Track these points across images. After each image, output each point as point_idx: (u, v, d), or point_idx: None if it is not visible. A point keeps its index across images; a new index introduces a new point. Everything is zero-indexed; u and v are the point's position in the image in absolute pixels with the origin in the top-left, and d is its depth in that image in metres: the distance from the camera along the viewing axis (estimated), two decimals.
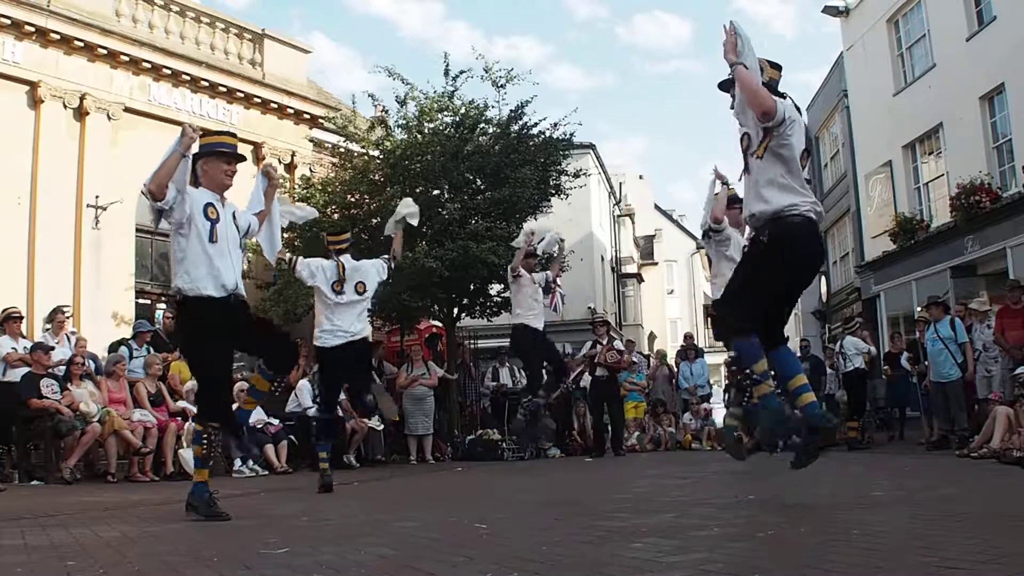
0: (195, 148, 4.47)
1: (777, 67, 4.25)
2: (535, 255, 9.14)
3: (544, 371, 8.87)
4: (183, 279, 4.37)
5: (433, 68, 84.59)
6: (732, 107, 4.21)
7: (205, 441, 4.51)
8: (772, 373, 3.98)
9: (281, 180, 5.31)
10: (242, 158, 4.83)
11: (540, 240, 8.99)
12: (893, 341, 13.07)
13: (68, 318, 9.59)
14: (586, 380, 11.61)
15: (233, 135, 4.92)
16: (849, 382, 11.76)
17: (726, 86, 4.24)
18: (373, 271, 6.68)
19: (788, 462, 4.10)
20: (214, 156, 4.56)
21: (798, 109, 4.12)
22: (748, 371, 4.03)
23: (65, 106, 11.52)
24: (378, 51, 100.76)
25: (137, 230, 12.39)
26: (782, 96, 4.06)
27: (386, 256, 6.81)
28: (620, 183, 33.99)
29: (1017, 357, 8.56)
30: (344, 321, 6.43)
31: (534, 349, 8.59)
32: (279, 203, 5.58)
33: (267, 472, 8.86)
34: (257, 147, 13.80)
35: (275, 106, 14.15)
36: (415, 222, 7.03)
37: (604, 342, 11.23)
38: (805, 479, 5.80)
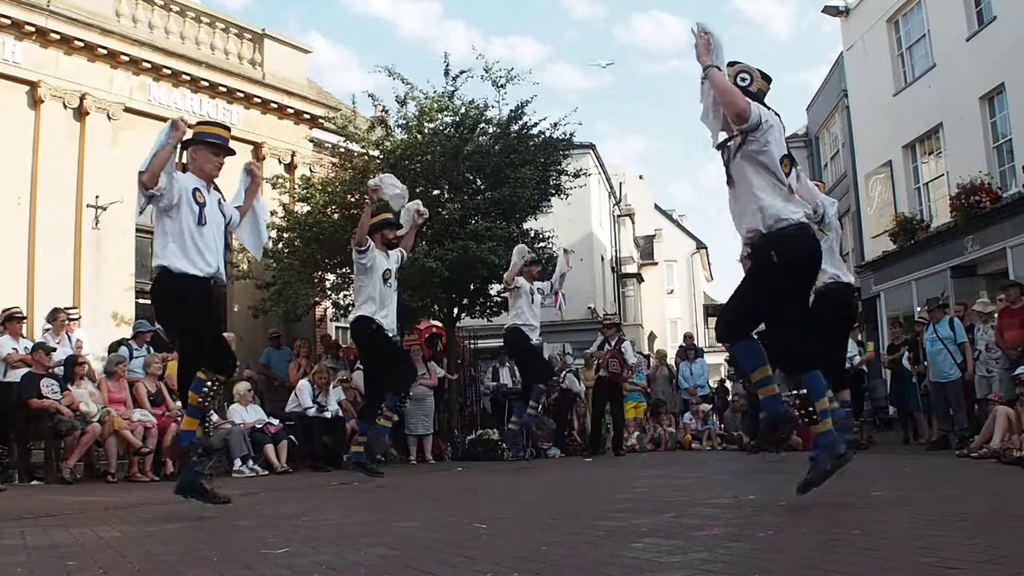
0: (188, 134, 4.58)
1: (767, 79, 4.22)
2: (537, 263, 9.20)
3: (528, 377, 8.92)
4: (169, 258, 4.43)
5: (431, 68, 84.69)
6: (701, 117, 4.13)
7: (206, 390, 4.50)
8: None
9: (262, 179, 5.44)
10: (231, 152, 4.91)
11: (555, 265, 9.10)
12: (893, 332, 13.00)
13: (74, 320, 9.58)
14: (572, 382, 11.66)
15: (226, 128, 4.98)
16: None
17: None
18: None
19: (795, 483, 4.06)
20: (204, 146, 4.68)
21: (778, 116, 4.08)
22: (749, 376, 4.04)
23: (65, 106, 11.52)
24: (376, 51, 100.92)
25: (137, 230, 12.37)
26: (766, 107, 4.03)
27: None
28: (620, 183, 34.01)
29: (1013, 357, 8.57)
30: (391, 312, 6.69)
31: (525, 353, 8.65)
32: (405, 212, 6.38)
33: (267, 472, 8.86)
34: (257, 147, 13.79)
35: (275, 106, 14.14)
36: (399, 204, 6.93)
37: (612, 344, 11.23)
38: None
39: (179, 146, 4.52)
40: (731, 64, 4.15)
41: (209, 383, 4.50)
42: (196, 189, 4.56)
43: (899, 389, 11.55)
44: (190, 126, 4.65)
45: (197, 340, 4.62)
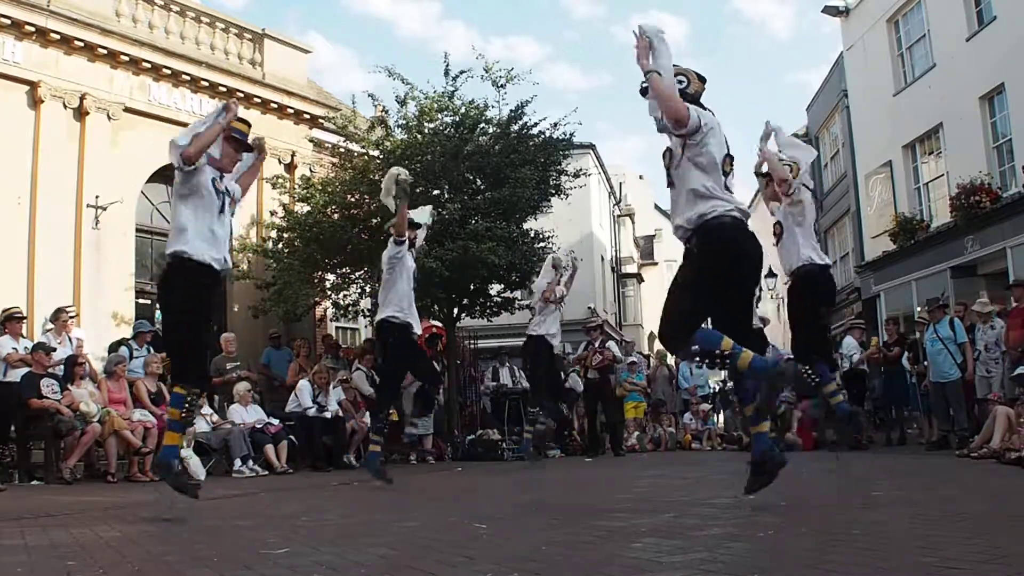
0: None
1: (703, 79, 4.24)
2: (568, 269, 9.22)
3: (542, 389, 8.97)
4: (190, 244, 4.42)
5: (431, 68, 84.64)
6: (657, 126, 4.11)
7: (187, 405, 4.50)
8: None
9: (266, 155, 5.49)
10: (250, 149, 4.97)
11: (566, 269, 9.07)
12: (888, 330, 12.99)
13: (72, 318, 9.58)
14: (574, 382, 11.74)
15: (248, 123, 4.98)
16: (848, 382, 11.74)
17: (646, 91, 4.16)
18: None
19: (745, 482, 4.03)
20: (226, 140, 4.71)
21: (714, 115, 4.06)
22: (719, 353, 3.75)
23: (65, 106, 11.52)
24: (375, 51, 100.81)
25: (137, 230, 12.38)
26: (703, 108, 4.02)
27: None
28: (620, 183, 33.99)
29: (1015, 357, 8.56)
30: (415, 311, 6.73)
31: (544, 366, 8.75)
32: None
33: (267, 472, 8.85)
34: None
35: (275, 106, 14.14)
36: (391, 202, 6.72)
37: (596, 345, 11.41)
38: (805, 479, 5.81)
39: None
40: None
41: (189, 398, 4.49)
42: (214, 179, 4.60)
43: (892, 387, 11.49)
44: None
45: (193, 335, 4.61)
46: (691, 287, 3.96)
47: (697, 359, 3.95)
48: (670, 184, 4.10)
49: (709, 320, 3.96)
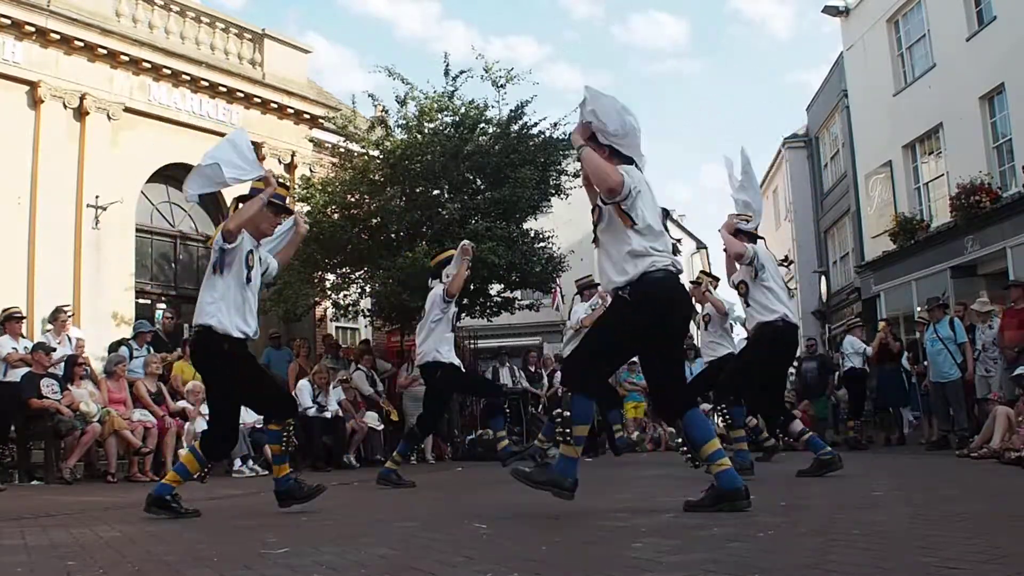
0: (245, 189, 4.61)
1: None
2: (594, 286, 9.07)
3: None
4: (218, 319, 4.40)
5: (430, 68, 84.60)
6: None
7: (284, 437, 4.68)
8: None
9: (307, 228, 5.44)
10: (290, 212, 4.97)
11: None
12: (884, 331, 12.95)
13: (69, 317, 9.59)
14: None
15: (287, 187, 4.98)
16: (848, 382, 11.76)
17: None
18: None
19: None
20: (267, 205, 4.61)
21: (640, 171, 4.10)
22: (568, 431, 3.92)
23: (65, 106, 11.52)
24: (375, 51, 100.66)
25: (137, 230, 12.39)
26: (635, 164, 4.07)
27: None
28: None
29: (1010, 357, 8.57)
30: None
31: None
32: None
33: (267, 472, 8.85)
34: (257, 147, 13.79)
35: (275, 106, 14.15)
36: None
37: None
38: (805, 479, 5.81)
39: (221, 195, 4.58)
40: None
41: (284, 433, 4.67)
42: (250, 252, 4.53)
43: (888, 387, 11.48)
44: (255, 182, 4.61)
45: (244, 399, 4.72)
46: (609, 331, 4.07)
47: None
48: (596, 241, 4.22)
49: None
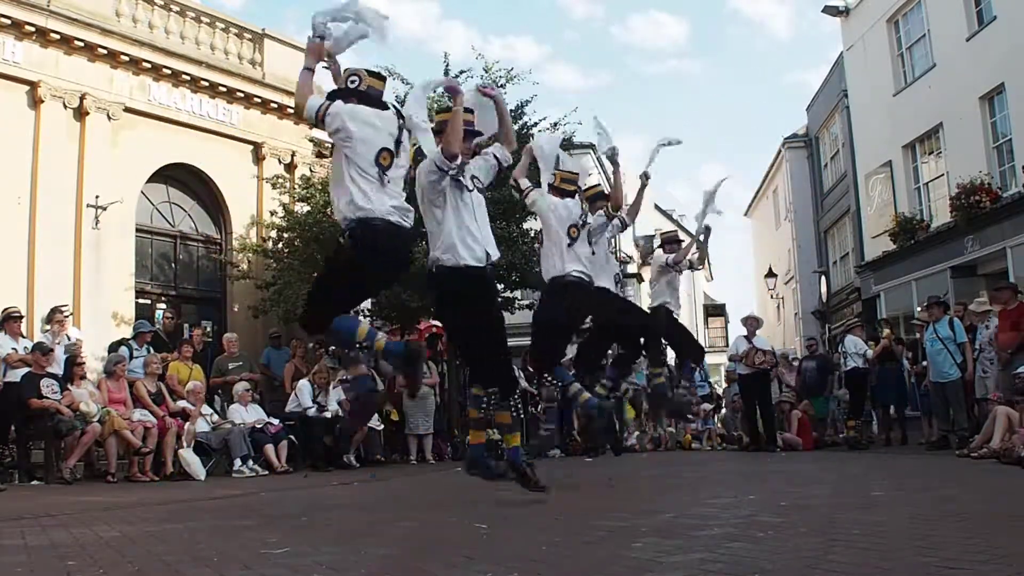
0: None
1: (381, 77, 4.61)
2: (678, 241, 8.65)
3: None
4: (452, 252, 4.35)
5: (430, 68, 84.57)
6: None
7: (484, 404, 4.57)
8: None
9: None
10: (471, 110, 5.17)
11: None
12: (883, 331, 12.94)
13: (67, 317, 9.59)
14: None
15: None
16: (849, 381, 11.75)
17: None
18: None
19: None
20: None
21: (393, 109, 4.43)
22: (359, 344, 4.08)
23: (65, 106, 11.51)
24: (374, 51, 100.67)
25: (137, 230, 12.38)
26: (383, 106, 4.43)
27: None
28: None
29: (1004, 360, 8.56)
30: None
31: (678, 329, 8.23)
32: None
33: (267, 472, 8.86)
34: (257, 147, 13.81)
35: (275, 106, 14.13)
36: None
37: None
38: (805, 479, 5.81)
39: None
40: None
41: (484, 399, 4.53)
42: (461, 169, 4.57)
43: (886, 387, 11.46)
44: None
45: (481, 341, 4.54)
46: (336, 274, 4.32)
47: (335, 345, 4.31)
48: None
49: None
